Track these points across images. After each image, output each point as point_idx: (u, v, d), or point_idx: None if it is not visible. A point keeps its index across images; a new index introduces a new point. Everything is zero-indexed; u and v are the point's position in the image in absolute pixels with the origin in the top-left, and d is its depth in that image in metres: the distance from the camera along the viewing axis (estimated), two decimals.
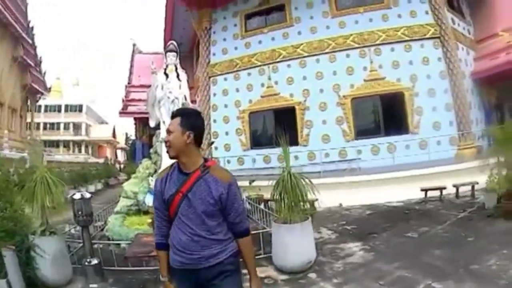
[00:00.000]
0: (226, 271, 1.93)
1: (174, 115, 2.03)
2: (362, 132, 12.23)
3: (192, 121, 1.99)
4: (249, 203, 8.47)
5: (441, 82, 11.91)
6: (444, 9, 12.56)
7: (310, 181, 5.12)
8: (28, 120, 28.41)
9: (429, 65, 12.05)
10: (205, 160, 2.03)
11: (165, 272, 2.03)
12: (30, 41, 24.53)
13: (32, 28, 24.96)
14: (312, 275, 4.60)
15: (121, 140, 56.47)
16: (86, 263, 4.69)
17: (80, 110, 51.65)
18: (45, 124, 47.66)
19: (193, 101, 15.41)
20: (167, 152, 2.00)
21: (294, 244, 4.69)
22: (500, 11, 13.73)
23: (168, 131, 1.99)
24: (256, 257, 5.22)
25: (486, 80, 13.28)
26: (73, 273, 4.91)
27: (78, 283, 4.78)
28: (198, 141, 1.98)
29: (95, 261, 4.77)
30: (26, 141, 24.18)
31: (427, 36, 12.17)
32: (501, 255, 4.65)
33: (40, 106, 39.12)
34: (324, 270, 4.76)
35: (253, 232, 5.72)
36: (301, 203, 4.95)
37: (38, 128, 40.13)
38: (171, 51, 8.91)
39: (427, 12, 12.33)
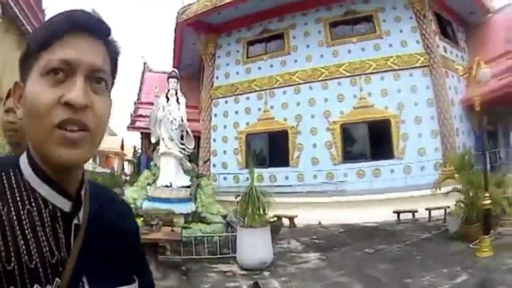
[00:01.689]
0: None
1: None
2: (349, 156, 12.74)
3: None
4: (235, 216, 9.18)
5: (428, 110, 12.22)
6: (435, 37, 12.88)
7: (270, 195, 5.84)
8: None
9: (417, 93, 12.39)
10: None
11: None
12: None
13: None
14: (266, 273, 5.32)
15: (129, 153, 57.21)
16: None
17: None
18: None
19: (196, 120, 16.24)
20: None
21: (253, 246, 5.44)
22: (492, 37, 13.87)
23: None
24: (225, 256, 6.01)
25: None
26: None
27: None
28: None
29: None
30: None
31: (416, 65, 12.52)
32: (439, 273, 5.16)
33: None
34: (277, 271, 5.45)
35: (223, 234, 6.49)
36: (261, 212, 5.64)
37: None
38: (172, 77, 10.10)
39: (417, 42, 12.71)
